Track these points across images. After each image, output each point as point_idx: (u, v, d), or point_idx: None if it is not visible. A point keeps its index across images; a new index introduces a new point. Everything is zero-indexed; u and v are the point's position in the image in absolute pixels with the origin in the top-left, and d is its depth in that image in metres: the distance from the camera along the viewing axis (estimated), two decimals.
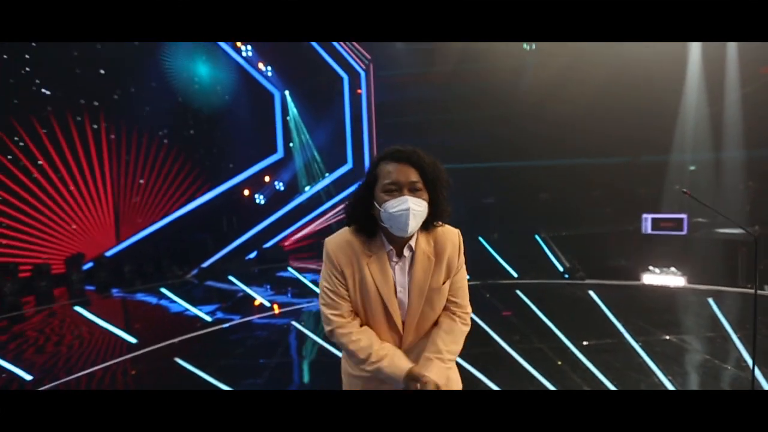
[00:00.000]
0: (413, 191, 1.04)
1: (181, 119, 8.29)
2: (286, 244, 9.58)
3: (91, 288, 6.83)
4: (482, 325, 3.77)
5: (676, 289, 4.93)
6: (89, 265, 7.45)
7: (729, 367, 2.82)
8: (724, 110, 9.12)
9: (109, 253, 7.76)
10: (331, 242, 1.13)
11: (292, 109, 10.73)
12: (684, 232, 7.33)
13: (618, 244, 7.44)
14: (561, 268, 6.15)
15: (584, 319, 3.90)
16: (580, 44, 8.90)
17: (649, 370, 2.80)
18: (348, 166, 10.89)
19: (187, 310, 5.05)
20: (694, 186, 10.14)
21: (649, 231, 7.55)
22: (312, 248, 9.32)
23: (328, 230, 9.97)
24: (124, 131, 7.77)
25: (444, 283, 1.13)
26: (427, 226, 1.11)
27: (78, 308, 5.31)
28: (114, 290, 6.64)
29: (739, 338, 3.21)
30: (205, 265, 7.85)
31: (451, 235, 1.15)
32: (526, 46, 10.66)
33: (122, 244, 7.92)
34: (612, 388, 2.59)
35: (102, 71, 7.36)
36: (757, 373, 2.64)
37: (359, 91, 11.62)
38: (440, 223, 1.14)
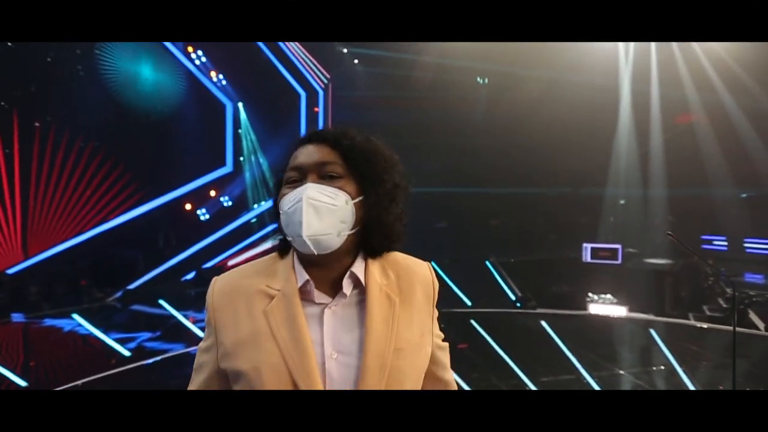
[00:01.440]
0: (326, 178, 0.66)
1: (117, 123, 7.48)
2: (230, 264, 8.89)
3: None
4: None
5: (618, 319, 5.13)
6: None
7: None
8: (650, 152, 10.09)
9: (11, 271, 6.65)
10: (219, 280, 0.71)
11: (245, 122, 10.24)
12: (619, 261, 7.83)
13: (562, 271, 7.75)
14: (513, 297, 6.21)
15: (540, 353, 3.86)
16: (530, 82, 9.48)
17: None
18: None
19: (101, 341, 4.34)
20: (623, 218, 10.99)
21: (589, 259, 7.98)
22: None
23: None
24: (38, 132, 6.84)
25: (420, 338, 0.69)
26: (375, 251, 0.70)
27: None
28: (14, 315, 5.64)
29: (684, 371, 3.31)
30: (132, 286, 6.98)
31: (418, 267, 0.74)
32: (479, 79, 11.20)
33: (29, 261, 6.83)
34: None
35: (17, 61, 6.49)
36: None
37: (316, 109, 11.44)
38: (390, 249, 0.72)
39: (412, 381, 0.68)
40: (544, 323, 4.77)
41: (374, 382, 0.63)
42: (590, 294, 5.71)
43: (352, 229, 0.65)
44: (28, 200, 6.80)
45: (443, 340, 0.79)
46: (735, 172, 8.53)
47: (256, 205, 9.91)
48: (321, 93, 11.17)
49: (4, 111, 6.43)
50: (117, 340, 4.30)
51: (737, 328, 4.07)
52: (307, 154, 0.67)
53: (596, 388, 3.04)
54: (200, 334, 4.52)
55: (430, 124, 10.72)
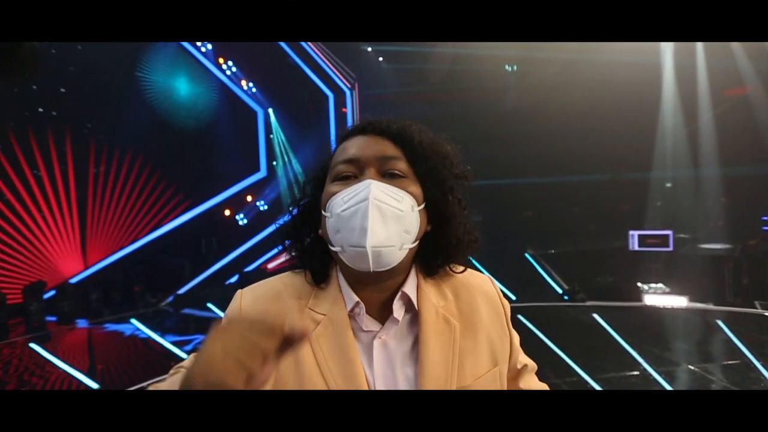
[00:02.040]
0: (388, 176, 0.55)
1: (159, 136, 7.85)
2: (270, 266, 9.11)
3: (53, 319, 6.19)
4: None
5: (678, 310, 4.81)
6: (51, 293, 6.80)
7: None
8: (699, 130, 9.44)
9: (73, 280, 7.13)
10: (246, 295, 0.59)
11: (276, 127, 10.46)
12: (670, 248, 7.38)
13: (608, 261, 7.40)
14: (560, 290, 5.98)
15: (597, 348, 3.67)
16: (561, 65, 9.10)
17: None
18: None
19: (160, 344, 4.56)
20: (672, 202, 10.36)
21: (636, 247, 7.57)
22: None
23: None
24: (93, 148, 7.28)
25: (489, 371, 0.58)
26: (432, 267, 0.59)
27: (33, 345, 4.72)
28: (79, 321, 6.03)
29: (762, 365, 3.05)
30: (181, 291, 7.31)
31: (482, 285, 0.63)
32: (508, 67, 10.88)
33: (89, 270, 7.30)
34: None
35: (68, 83, 6.93)
36: None
37: (344, 109, 11.51)
38: (455, 264, 0.61)
39: None
40: (596, 316, 4.55)
41: None
42: (639, 284, 5.40)
43: (414, 241, 0.54)
44: (86, 212, 7.27)
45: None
46: None
47: (291, 208, 10.12)
48: (348, 93, 11.22)
49: (58, 127, 6.88)
50: (173, 343, 4.50)
51: None
52: (365, 146, 0.56)
53: (665, 385, 2.85)
54: None
55: (460, 115, 10.53)
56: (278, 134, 10.44)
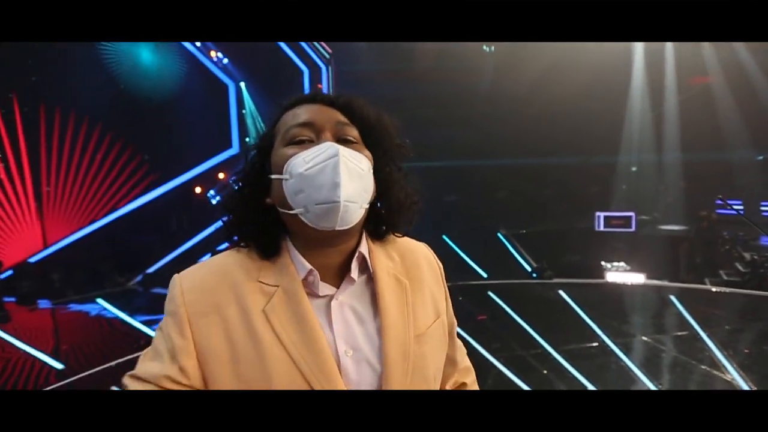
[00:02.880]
0: (343, 141, 0.57)
1: (124, 108, 7.40)
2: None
3: (11, 299, 5.89)
4: (459, 332, 3.62)
5: (636, 286, 5.12)
6: (8, 273, 6.46)
7: (708, 368, 2.87)
8: (664, 115, 9.80)
9: (33, 259, 6.78)
10: (182, 280, 0.57)
11: (249, 102, 10.08)
12: (633, 229, 7.76)
13: (575, 241, 7.73)
14: (528, 268, 6.22)
15: (561, 322, 3.88)
16: (538, 49, 9.15)
17: (633, 374, 2.79)
18: None
19: (128, 324, 4.45)
20: (636, 185, 10.83)
21: (602, 228, 7.92)
22: None
23: None
24: (49, 117, 6.80)
25: (435, 320, 0.63)
26: (379, 231, 0.62)
27: None
28: (41, 301, 5.78)
29: (708, 336, 3.31)
30: (150, 270, 7.10)
31: (421, 249, 0.68)
32: (486, 47, 10.83)
33: (50, 249, 6.95)
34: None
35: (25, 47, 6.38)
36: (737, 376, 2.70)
37: (320, 85, 11.19)
38: (397, 231, 0.65)
39: (435, 367, 0.61)
40: (562, 292, 4.78)
41: (399, 376, 0.55)
42: (603, 263, 5.69)
43: (368, 202, 0.57)
44: (41, 189, 6.85)
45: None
46: (753, 134, 8.29)
47: (236, 182, 9.92)
48: (324, 69, 10.90)
49: (5, 99, 6.38)
50: (142, 323, 4.40)
51: (756, 292, 4.05)
52: (319, 112, 0.57)
53: (621, 355, 3.06)
54: None
55: (437, 95, 10.48)
56: (251, 109, 10.08)
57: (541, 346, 3.26)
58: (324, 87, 11.15)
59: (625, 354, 3.05)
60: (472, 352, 2.94)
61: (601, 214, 8.27)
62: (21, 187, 6.65)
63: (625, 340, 3.31)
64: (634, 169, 11.13)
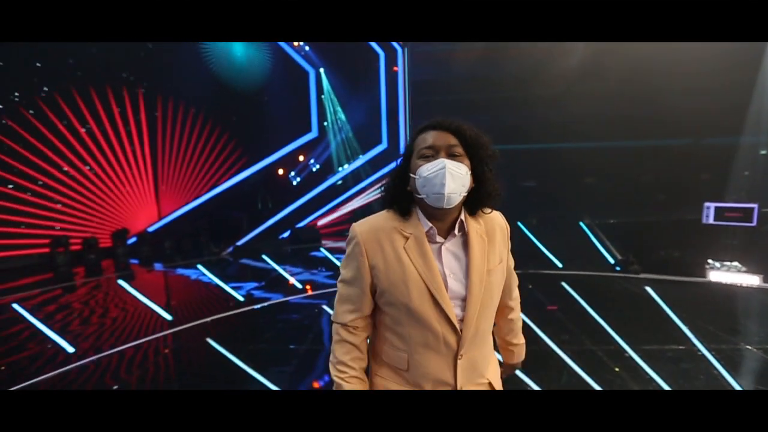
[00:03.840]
0: (452, 156, 0.93)
1: (219, 96, 8.29)
2: (320, 224, 9.56)
3: (135, 262, 7.11)
4: (526, 320, 3.49)
5: (749, 289, 4.37)
6: (133, 239, 7.76)
7: None
8: None
9: (151, 229, 8.04)
10: (358, 227, 0.98)
11: (327, 87, 10.51)
12: (753, 224, 6.57)
13: (674, 235, 6.80)
14: (612, 260, 5.66)
15: (643, 320, 3.50)
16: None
17: (726, 383, 2.44)
18: (383, 146, 10.63)
19: (221, 288, 5.09)
20: (763, 172, 9.10)
21: (712, 221, 6.83)
22: (346, 229, 9.26)
23: (364, 210, 9.85)
24: (161, 107, 7.90)
25: (499, 264, 1.00)
26: (473, 210, 0.99)
27: (121, 282, 5.50)
28: (156, 264, 6.88)
29: None
30: (239, 243, 7.97)
31: (498, 219, 1.05)
32: None
33: (162, 221, 8.17)
34: None
35: (149, 45, 7.45)
36: None
37: (395, 68, 11.21)
38: (485, 208, 1.01)
39: (497, 288, 1.00)
40: (649, 289, 4.29)
41: (477, 292, 0.95)
42: (711, 261, 4.93)
43: (466, 193, 0.94)
44: (157, 168, 8.03)
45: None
46: None
47: (341, 168, 10.34)
48: (400, 51, 10.87)
49: (132, 85, 7.51)
50: (232, 288, 5.00)
51: None
52: (438, 137, 0.93)
53: (713, 361, 2.69)
54: (298, 285, 5.00)
55: (517, 73, 9.82)
56: (329, 94, 10.51)
57: (616, 342, 3.00)
58: (399, 68, 11.12)
59: (720, 362, 2.66)
60: (536, 341, 2.83)
61: (712, 205, 7.13)
62: (143, 168, 7.88)
63: (721, 347, 2.88)
64: (763, 152, 9.37)
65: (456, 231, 0.96)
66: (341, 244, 8.08)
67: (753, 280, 4.49)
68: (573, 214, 8.91)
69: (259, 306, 4.26)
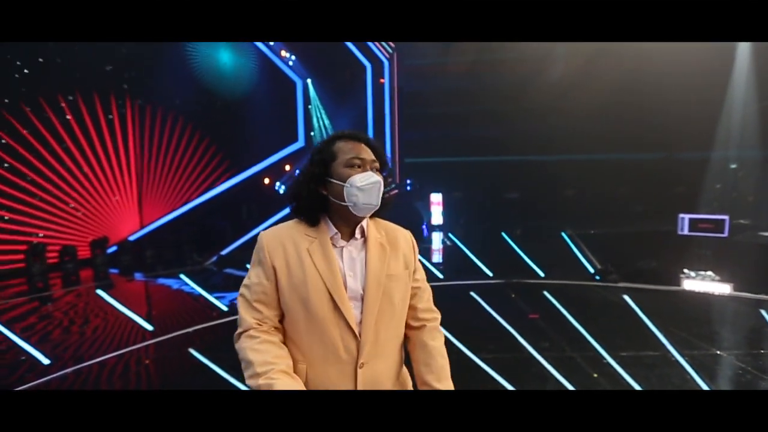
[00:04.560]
0: (374, 170, 1.00)
1: (205, 105, 8.27)
2: None
3: (115, 271, 6.94)
4: (508, 328, 3.54)
5: (721, 297, 4.55)
6: (113, 248, 7.59)
7: None
8: None
9: (132, 238, 7.88)
10: (263, 233, 1.00)
11: (314, 97, 10.60)
12: (725, 234, 6.84)
13: (651, 245, 7.03)
14: (591, 269, 5.82)
15: (620, 327, 3.61)
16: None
17: (698, 388, 2.53)
18: None
19: (204, 298, 5.01)
20: (733, 185, 9.51)
21: (686, 232, 7.08)
22: None
23: None
24: (147, 114, 7.82)
25: (404, 270, 1.03)
26: (373, 215, 1.04)
27: (100, 292, 5.36)
28: (137, 274, 6.72)
29: None
30: (224, 252, 7.86)
31: (402, 232, 1.09)
32: None
33: (144, 229, 8.02)
34: None
35: (123, 50, 7.39)
36: None
37: (382, 80, 11.38)
38: (380, 217, 1.08)
39: (400, 298, 1.01)
40: (627, 297, 4.42)
41: (374, 291, 0.97)
42: (686, 270, 5.12)
43: None
44: (142, 175, 7.91)
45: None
46: None
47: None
48: (386, 63, 11.07)
49: (120, 92, 7.42)
50: (216, 298, 4.93)
51: None
52: (364, 151, 1.00)
53: (687, 367, 2.79)
54: None
55: (503, 88, 10.09)
56: (316, 104, 10.59)
57: (594, 349, 3.08)
58: (386, 81, 11.29)
59: (693, 368, 2.76)
60: (519, 349, 2.88)
61: (686, 217, 7.40)
62: (127, 175, 7.74)
63: (694, 353, 3.00)
64: (733, 166, 9.80)
65: (357, 235, 1.00)
66: None
67: (725, 289, 4.67)
68: (555, 224, 9.12)
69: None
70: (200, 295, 5.12)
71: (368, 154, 1.00)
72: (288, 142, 10.12)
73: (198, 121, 8.29)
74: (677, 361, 2.87)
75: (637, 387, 2.54)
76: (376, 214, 1.04)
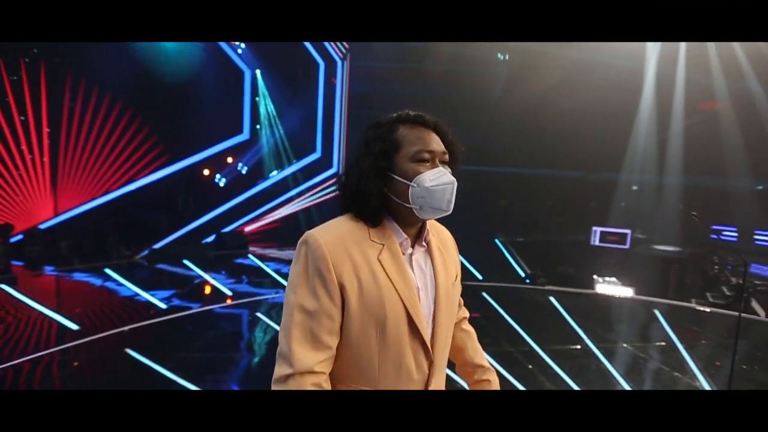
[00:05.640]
0: (443, 164, 0.83)
1: (144, 87, 7.54)
2: (247, 230, 9.16)
3: (19, 263, 6.08)
4: None
5: (624, 300, 5.31)
6: (18, 237, 6.65)
7: (679, 375, 3.07)
8: (669, 138, 9.96)
9: (43, 226, 6.97)
10: (319, 236, 0.78)
11: (263, 89, 10.24)
12: (626, 246, 7.94)
13: (570, 253, 7.91)
14: (522, 273, 6.41)
15: (548, 325, 4.08)
16: (551, 61, 9.29)
17: (610, 375, 2.98)
18: (317, 155, 10.63)
19: (137, 294, 4.64)
20: (635, 204, 11.01)
21: (597, 243, 8.09)
22: (274, 235, 8.99)
23: (293, 218, 9.68)
24: (74, 88, 6.96)
25: (456, 279, 0.93)
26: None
27: (4, 286, 4.70)
28: (46, 267, 5.97)
29: (685, 348, 3.51)
30: (157, 246, 7.28)
31: (446, 231, 0.98)
32: (500, 55, 10.96)
33: (60, 217, 7.13)
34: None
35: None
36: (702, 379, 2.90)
37: (334, 80, 11.33)
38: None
39: (458, 301, 0.97)
40: (552, 299, 4.98)
41: (444, 306, 0.85)
42: (596, 276, 5.88)
43: None
44: (58, 156, 7.02)
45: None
46: (754, 164, 8.45)
47: (272, 173, 10.07)
48: (340, 63, 11.06)
49: (33, 61, 6.51)
50: (152, 295, 4.60)
51: (736, 313, 4.23)
52: (436, 143, 0.82)
53: (600, 357, 3.26)
54: (227, 291, 4.77)
55: (447, 98, 10.61)
56: (265, 97, 10.25)
57: (529, 345, 3.46)
58: (338, 82, 11.28)
59: (606, 357, 3.24)
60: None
61: (598, 229, 8.43)
62: (38, 154, 6.82)
63: (606, 346, 3.51)
64: (635, 188, 11.28)
65: (424, 242, 0.85)
66: (270, 251, 7.85)
67: (627, 292, 5.46)
68: (490, 232, 9.82)
69: (187, 313, 4.00)
70: (132, 292, 4.72)
71: (438, 145, 0.82)
72: (232, 134, 9.63)
73: (133, 101, 7.51)
74: (593, 353, 3.34)
75: (564, 376, 2.92)
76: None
